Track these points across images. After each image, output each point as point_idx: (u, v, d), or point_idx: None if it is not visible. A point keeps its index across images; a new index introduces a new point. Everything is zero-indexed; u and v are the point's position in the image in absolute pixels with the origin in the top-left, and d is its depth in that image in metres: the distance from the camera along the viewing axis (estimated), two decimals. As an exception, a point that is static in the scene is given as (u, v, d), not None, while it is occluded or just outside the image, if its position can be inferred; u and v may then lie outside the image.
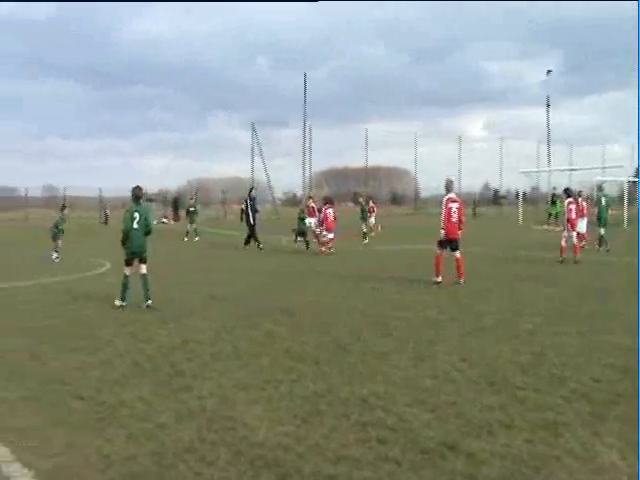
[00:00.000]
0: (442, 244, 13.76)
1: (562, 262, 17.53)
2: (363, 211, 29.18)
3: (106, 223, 51.38)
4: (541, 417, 5.31)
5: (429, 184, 75.09)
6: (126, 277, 11.40)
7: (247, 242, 24.46)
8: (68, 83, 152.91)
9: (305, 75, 60.53)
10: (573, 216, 18.31)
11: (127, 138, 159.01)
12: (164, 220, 54.41)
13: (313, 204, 24.97)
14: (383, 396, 5.95)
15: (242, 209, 25.51)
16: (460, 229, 13.89)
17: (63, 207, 23.16)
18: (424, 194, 79.21)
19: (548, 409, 5.51)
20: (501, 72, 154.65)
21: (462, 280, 13.53)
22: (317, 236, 23.22)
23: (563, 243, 18.00)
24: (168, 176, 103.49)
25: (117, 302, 11.35)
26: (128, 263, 11.56)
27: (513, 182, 70.04)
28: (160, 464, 4.56)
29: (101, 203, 56.57)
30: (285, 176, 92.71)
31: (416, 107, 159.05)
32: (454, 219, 13.68)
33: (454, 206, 13.77)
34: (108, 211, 55.13)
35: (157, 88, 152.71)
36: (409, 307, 10.84)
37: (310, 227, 24.29)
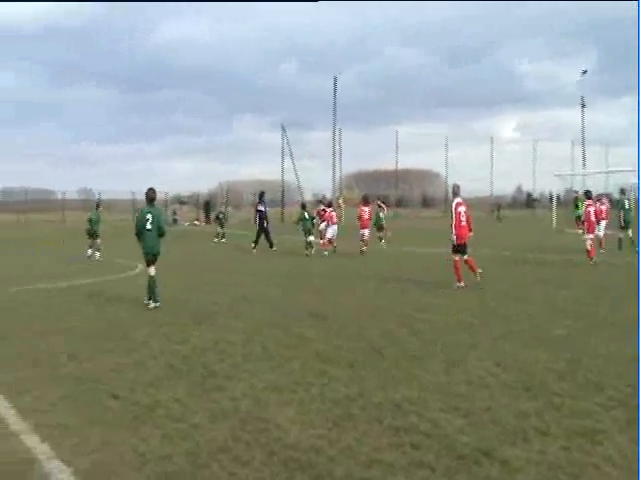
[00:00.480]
0: (457, 249, 13.80)
1: (595, 264, 17.41)
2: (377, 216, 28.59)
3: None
4: (578, 424, 5.23)
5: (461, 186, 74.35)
6: (151, 278, 11.61)
7: (256, 243, 24.79)
8: (100, 89, 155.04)
9: (335, 78, 60.61)
10: (592, 218, 18.28)
11: (155, 142, 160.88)
12: (195, 222, 54.93)
13: (324, 207, 25.74)
14: (416, 401, 5.93)
15: (257, 211, 25.83)
16: (470, 230, 14.01)
17: (97, 205, 23.59)
18: (455, 197, 78.49)
19: (585, 416, 5.43)
20: (533, 72, 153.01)
21: (479, 273, 13.62)
22: (322, 236, 24.38)
23: (588, 246, 17.93)
24: (196, 179, 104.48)
25: (149, 303, 11.53)
26: (148, 264, 11.74)
27: (547, 185, 69.32)
28: (194, 464, 4.60)
29: (134, 206, 57.26)
30: (314, 178, 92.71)
31: (447, 109, 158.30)
32: (463, 223, 13.82)
33: (462, 210, 13.90)
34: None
35: (184, 91, 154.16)
36: (439, 310, 10.78)
37: (318, 227, 25.13)
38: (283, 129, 60.86)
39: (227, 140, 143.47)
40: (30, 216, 53.07)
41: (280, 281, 15.40)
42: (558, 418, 5.39)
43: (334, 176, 60.54)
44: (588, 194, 19.24)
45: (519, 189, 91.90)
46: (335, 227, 24.35)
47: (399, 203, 71.88)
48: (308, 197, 65.08)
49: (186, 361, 7.58)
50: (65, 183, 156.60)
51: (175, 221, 55.47)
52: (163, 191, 59.96)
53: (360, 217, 24.14)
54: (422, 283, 14.26)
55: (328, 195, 34.83)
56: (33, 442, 5.08)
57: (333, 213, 24.76)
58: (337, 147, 60.57)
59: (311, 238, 23.41)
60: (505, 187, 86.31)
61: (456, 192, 14.28)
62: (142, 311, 11.21)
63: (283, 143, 60.61)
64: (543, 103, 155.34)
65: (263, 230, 24.97)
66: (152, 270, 11.66)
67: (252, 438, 5.04)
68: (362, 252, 22.75)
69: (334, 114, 59.98)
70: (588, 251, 17.87)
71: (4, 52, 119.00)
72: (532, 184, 77.35)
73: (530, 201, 78.48)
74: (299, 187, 62.21)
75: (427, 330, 9.19)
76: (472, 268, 13.74)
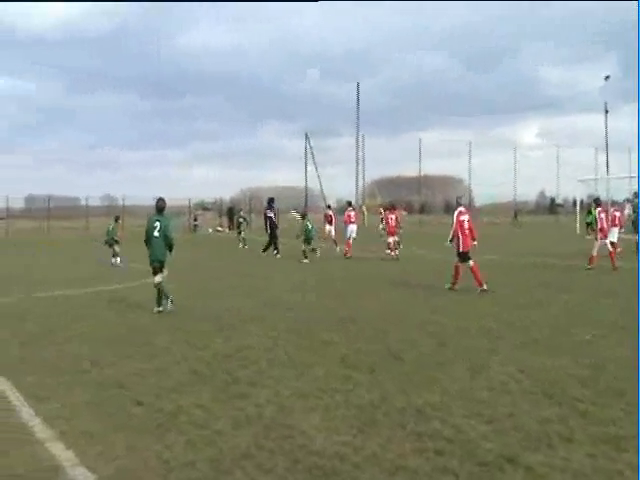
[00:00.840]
0: (463, 256, 14.09)
1: (589, 270, 17.60)
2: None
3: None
4: (602, 431, 5.19)
5: (483, 193, 74.18)
6: (159, 284, 11.87)
7: (266, 249, 25.11)
8: (122, 95, 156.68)
9: (358, 84, 60.70)
10: (604, 225, 18.33)
11: (177, 148, 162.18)
12: (219, 228, 55.19)
13: (331, 212, 27.99)
14: (439, 407, 5.91)
15: (266, 217, 26.20)
16: (474, 238, 14.38)
17: (117, 218, 24.09)
18: (478, 203, 78.27)
19: (609, 422, 5.38)
20: (556, 78, 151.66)
21: (483, 287, 13.71)
22: (335, 241, 25.87)
23: (594, 253, 18.10)
24: (219, 185, 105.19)
25: (161, 308, 11.78)
26: (155, 271, 11.95)
27: (570, 190, 68.69)
28: (218, 470, 4.63)
29: (157, 212, 57.53)
30: (336, 185, 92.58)
31: (470, 116, 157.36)
32: (467, 231, 14.19)
33: (465, 219, 14.27)
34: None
35: (207, 98, 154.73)
36: (461, 316, 10.73)
37: (330, 233, 26.83)
38: (307, 137, 61.09)
39: (249, 146, 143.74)
40: (53, 223, 53.62)
41: (299, 286, 15.42)
42: (582, 425, 5.35)
43: (357, 183, 60.65)
44: (597, 201, 19.27)
45: (542, 194, 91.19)
46: (354, 227, 25.26)
47: (422, 209, 71.67)
48: (332, 203, 65.18)
49: (209, 367, 7.62)
50: (87, 189, 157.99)
51: (195, 227, 55.78)
52: (186, 197, 60.57)
53: (387, 223, 24.47)
54: (442, 289, 14.19)
55: (352, 202, 34.99)
56: (58, 449, 5.13)
57: (352, 213, 25.74)
58: (360, 154, 60.72)
59: (310, 246, 23.65)
60: (528, 193, 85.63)
61: (459, 202, 14.91)
62: (162, 317, 11.30)
63: (306, 150, 60.83)
64: (565, 109, 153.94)
65: (273, 236, 25.35)
66: (158, 278, 11.87)
67: (276, 445, 5.05)
68: (392, 257, 23.00)
69: (357, 121, 60.13)
70: (591, 257, 18.05)
71: (28, 59, 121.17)
72: (555, 190, 76.71)
73: (553, 207, 77.81)
74: (322, 194, 62.36)
75: (447, 335, 9.16)
76: (477, 278, 13.87)
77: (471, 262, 14.00)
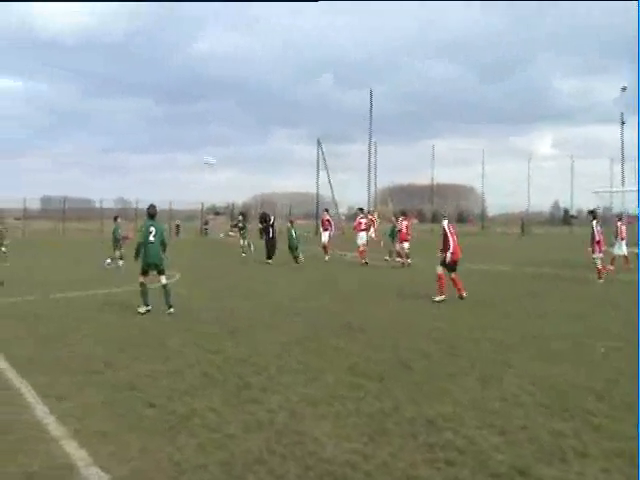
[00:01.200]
0: (449, 266, 14.52)
1: (602, 281, 17.88)
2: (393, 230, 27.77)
3: (177, 234, 52.80)
4: (617, 446, 5.15)
5: (496, 202, 74.00)
6: (143, 285, 12.26)
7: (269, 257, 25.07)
8: (136, 99, 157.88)
9: (370, 91, 60.71)
10: (598, 238, 18.17)
11: (188, 152, 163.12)
12: (230, 233, 55.25)
13: (328, 217, 27.77)
14: (451, 417, 5.89)
15: (261, 227, 26.35)
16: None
17: (115, 218, 24.51)
18: (491, 213, 78.11)
19: (624, 437, 5.34)
20: (570, 88, 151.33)
21: (463, 295, 14.30)
22: (325, 248, 26.17)
23: (599, 266, 18.35)
24: (230, 190, 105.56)
25: (141, 309, 12.06)
26: (144, 273, 12.36)
27: (585, 202, 68.33)
28: (230, 474, 4.64)
29: (171, 215, 57.96)
30: (348, 191, 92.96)
31: (483, 124, 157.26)
32: (457, 242, 14.75)
33: (454, 231, 14.93)
34: (179, 222, 56.57)
35: (219, 103, 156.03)
36: (471, 326, 10.69)
37: (323, 239, 26.70)
38: (319, 143, 61.11)
39: (261, 152, 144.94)
40: (68, 224, 54.04)
41: (308, 292, 15.43)
42: (596, 439, 5.31)
43: (369, 189, 60.62)
44: (593, 214, 19.13)
45: (556, 205, 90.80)
46: (364, 234, 25.13)
47: (435, 218, 71.53)
48: (343, 210, 65.29)
49: (221, 371, 7.64)
50: (101, 192, 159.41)
51: (206, 232, 55.97)
52: (199, 201, 60.85)
53: (399, 230, 24.21)
54: (452, 298, 14.15)
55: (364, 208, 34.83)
56: (72, 448, 5.17)
57: (363, 220, 25.59)
58: (372, 160, 60.69)
59: (295, 253, 24.19)
60: (542, 203, 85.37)
61: (444, 215, 15.76)
62: (174, 319, 11.35)
63: (318, 156, 60.88)
64: (579, 119, 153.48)
65: (270, 241, 25.41)
66: (163, 279, 12.30)
67: (287, 451, 5.06)
68: (402, 265, 23.10)
69: (370, 127, 60.13)
70: (599, 270, 18.25)
71: (43, 61, 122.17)
72: (569, 201, 76.36)
73: (567, 218, 77.45)
74: (334, 200, 62.37)
75: (457, 345, 9.13)
76: (458, 288, 14.39)
77: (452, 274, 14.52)
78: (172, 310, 11.97)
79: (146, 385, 7.03)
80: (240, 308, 12.72)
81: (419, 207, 74.20)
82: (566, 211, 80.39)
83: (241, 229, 30.96)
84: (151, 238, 12.20)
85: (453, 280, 14.47)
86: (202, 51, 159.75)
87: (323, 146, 61.29)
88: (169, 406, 6.26)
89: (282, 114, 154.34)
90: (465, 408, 6.18)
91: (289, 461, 4.85)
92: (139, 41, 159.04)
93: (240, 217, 32.98)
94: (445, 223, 14.92)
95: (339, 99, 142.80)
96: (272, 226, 25.84)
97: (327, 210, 30.88)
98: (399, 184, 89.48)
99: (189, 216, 65.48)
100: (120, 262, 22.27)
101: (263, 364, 7.99)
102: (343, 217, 67.33)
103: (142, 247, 12.26)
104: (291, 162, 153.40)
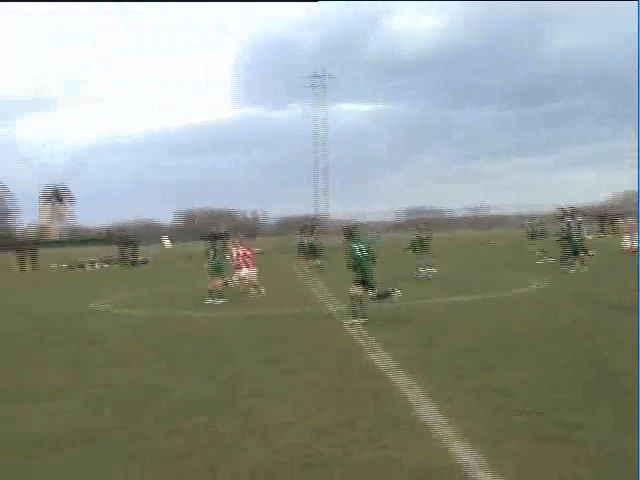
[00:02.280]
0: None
1: None
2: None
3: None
4: None
5: None
6: (355, 295, 12.57)
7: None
8: (488, 106, 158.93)
9: None
10: None
11: (548, 154, 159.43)
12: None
13: None
14: None
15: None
16: None
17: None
18: None
19: None
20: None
21: None
22: None
23: None
24: (596, 189, 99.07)
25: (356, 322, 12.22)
26: (360, 284, 12.59)
27: None
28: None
29: (530, 222, 56.26)
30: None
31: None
32: None
33: None
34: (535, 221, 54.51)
35: (579, 100, 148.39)
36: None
37: None
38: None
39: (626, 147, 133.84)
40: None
41: None
42: None
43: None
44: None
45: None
46: None
47: None
48: None
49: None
50: (450, 201, 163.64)
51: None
52: (553, 203, 58.32)
53: None
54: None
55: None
56: (458, 449, 5.21)
57: None
58: None
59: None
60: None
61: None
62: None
63: None
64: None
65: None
66: (357, 289, 12.50)
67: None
68: None
69: None
70: None
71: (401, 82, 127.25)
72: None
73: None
74: None
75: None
76: None
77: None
78: (362, 320, 12.20)
79: (517, 391, 6.90)
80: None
81: None
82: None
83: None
84: (358, 254, 12.60)
85: None
86: (562, 48, 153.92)
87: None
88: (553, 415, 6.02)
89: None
90: None
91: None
92: (497, 45, 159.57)
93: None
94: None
95: None
96: None
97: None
98: None
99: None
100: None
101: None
102: None
103: (356, 265, 12.66)
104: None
